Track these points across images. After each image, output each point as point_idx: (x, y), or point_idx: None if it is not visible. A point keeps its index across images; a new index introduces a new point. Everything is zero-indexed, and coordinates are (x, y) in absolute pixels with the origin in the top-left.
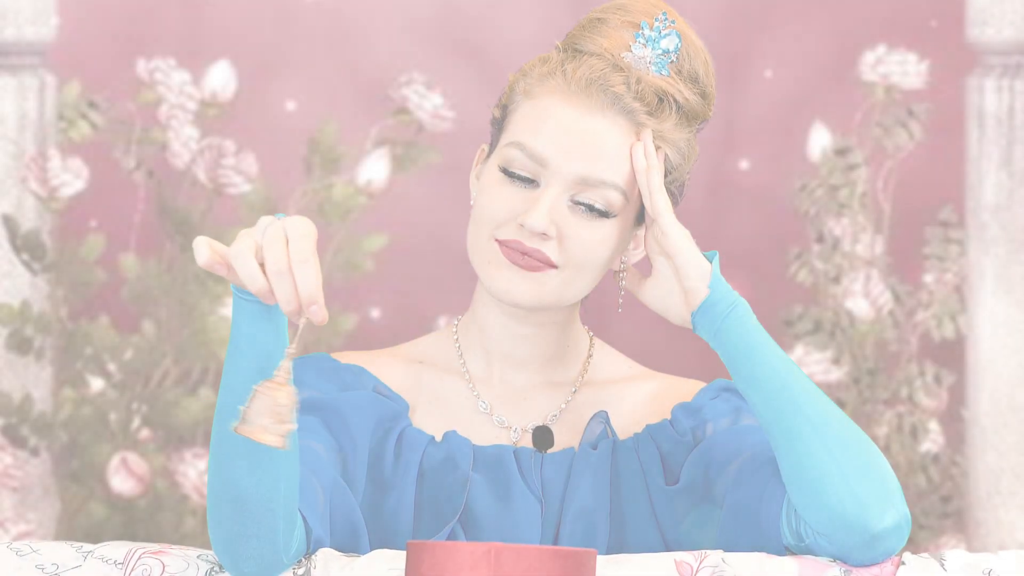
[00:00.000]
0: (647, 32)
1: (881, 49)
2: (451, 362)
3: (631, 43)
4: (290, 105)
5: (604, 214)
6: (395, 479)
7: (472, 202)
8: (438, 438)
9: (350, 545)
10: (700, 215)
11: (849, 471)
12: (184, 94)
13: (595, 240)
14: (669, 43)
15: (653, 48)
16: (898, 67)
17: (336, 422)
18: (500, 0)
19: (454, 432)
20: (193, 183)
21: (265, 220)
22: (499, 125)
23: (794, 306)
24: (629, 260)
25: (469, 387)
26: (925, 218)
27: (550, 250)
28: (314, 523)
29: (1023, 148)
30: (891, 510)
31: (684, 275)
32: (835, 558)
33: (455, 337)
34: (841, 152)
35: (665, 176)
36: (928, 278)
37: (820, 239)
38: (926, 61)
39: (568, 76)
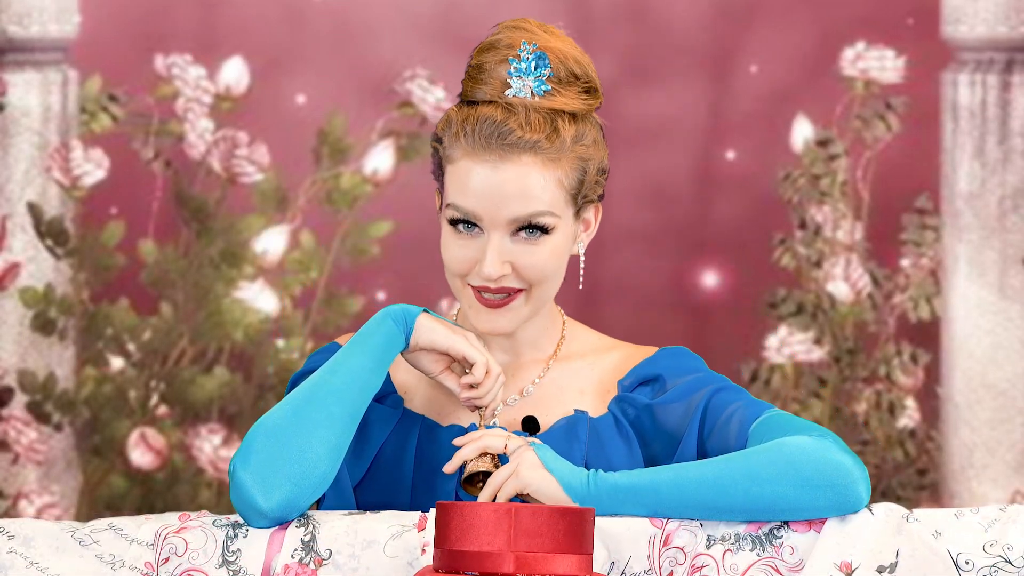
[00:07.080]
0: (517, 65)
1: (860, 45)
2: None
3: (508, 80)
4: (300, 99)
5: (544, 231)
6: (394, 459)
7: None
8: (435, 419)
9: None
10: (689, 203)
11: (807, 507)
12: (200, 88)
13: (545, 256)
14: (539, 64)
15: (528, 75)
16: (876, 62)
17: None
18: None
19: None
20: (208, 172)
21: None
22: (440, 178)
23: (778, 289)
24: (584, 243)
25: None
26: (902, 206)
27: (512, 282)
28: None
29: (995, 139)
30: (855, 500)
31: (547, 501)
32: None
33: None
34: (822, 143)
35: (582, 185)
36: (905, 263)
37: (803, 226)
38: (903, 57)
39: (469, 136)
